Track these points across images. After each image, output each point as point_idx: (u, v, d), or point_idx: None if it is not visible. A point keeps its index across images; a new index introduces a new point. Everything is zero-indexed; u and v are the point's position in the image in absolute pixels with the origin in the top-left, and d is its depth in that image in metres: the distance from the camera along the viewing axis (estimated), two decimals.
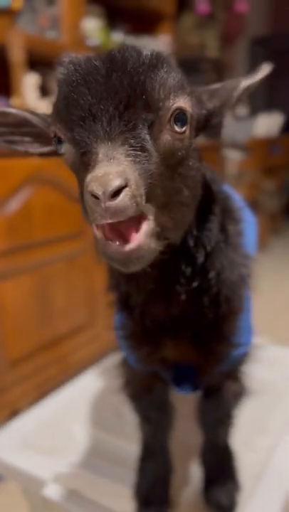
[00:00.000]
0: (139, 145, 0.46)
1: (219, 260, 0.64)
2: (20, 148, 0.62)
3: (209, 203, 0.63)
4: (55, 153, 0.59)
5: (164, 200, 0.48)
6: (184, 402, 0.96)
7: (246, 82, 0.60)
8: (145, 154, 0.46)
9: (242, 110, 4.23)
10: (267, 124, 4.36)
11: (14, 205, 1.58)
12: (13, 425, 1.13)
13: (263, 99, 5.32)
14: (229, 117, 3.78)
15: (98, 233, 0.45)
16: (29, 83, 1.87)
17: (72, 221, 1.81)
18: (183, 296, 0.62)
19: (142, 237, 0.45)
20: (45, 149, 0.62)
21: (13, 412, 1.56)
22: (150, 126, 0.48)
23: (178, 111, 0.50)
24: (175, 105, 0.49)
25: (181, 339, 0.69)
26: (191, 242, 0.61)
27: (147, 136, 0.47)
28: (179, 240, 0.57)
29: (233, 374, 0.81)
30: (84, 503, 0.86)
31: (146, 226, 0.45)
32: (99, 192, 0.41)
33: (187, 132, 0.52)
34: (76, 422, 1.14)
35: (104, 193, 0.41)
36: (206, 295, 0.64)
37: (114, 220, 0.42)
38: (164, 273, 0.61)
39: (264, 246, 4.08)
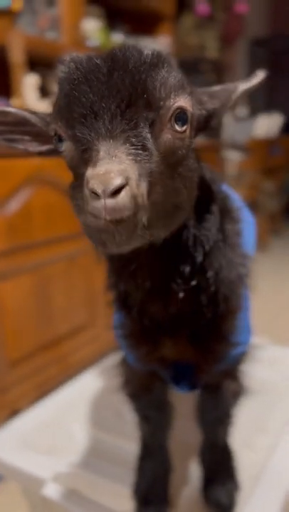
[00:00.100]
0: (141, 144, 0.46)
1: (217, 259, 0.64)
2: (20, 146, 0.62)
3: (208, 202, 0.64)
4: (54, 152, 0.59)
5: (160, 200, 0.48)
6: (183, 401, 0.96)
7: (243, 85, 0.62)
8: (146, 153, 0.46)
9: (242, 111, 4.24)
10: (267, 124, 4.36)
11: (14, 205, 1.58)
12: (13, 425, 1.13)
13: (263, 99, 5.31)
14: (229, 118, 3.80)
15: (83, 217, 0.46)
16: (29, 84, 1.87)
17: (72, 221, 1.77)
18: (181, 295, 0.62)
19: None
20: (45, 148, 0.62)
21: (13, 412, 1.55)
22: (151, 125, 0.48)
23: (179, 110, 0.50)
24: (176, 104, 0.50)
25: (179, 338, 0.69)
26: (189, 241, 0.61)
27: (148, 135, 0.47)
28: (161, 241, 0.54)
29: (231, 373, 0.82)
30: (84, 503, 0.86)
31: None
32: (99, 190, 0.41)
33: (187, 132, 0.52)
34: (76, 421, 1.14)
35: (104, 190, 0.41)
36: (204, 294, 0.64)
37: (112, 217, 0.42)
38: (163, 271, 0.61)
39: (264, 246, 4.08)
